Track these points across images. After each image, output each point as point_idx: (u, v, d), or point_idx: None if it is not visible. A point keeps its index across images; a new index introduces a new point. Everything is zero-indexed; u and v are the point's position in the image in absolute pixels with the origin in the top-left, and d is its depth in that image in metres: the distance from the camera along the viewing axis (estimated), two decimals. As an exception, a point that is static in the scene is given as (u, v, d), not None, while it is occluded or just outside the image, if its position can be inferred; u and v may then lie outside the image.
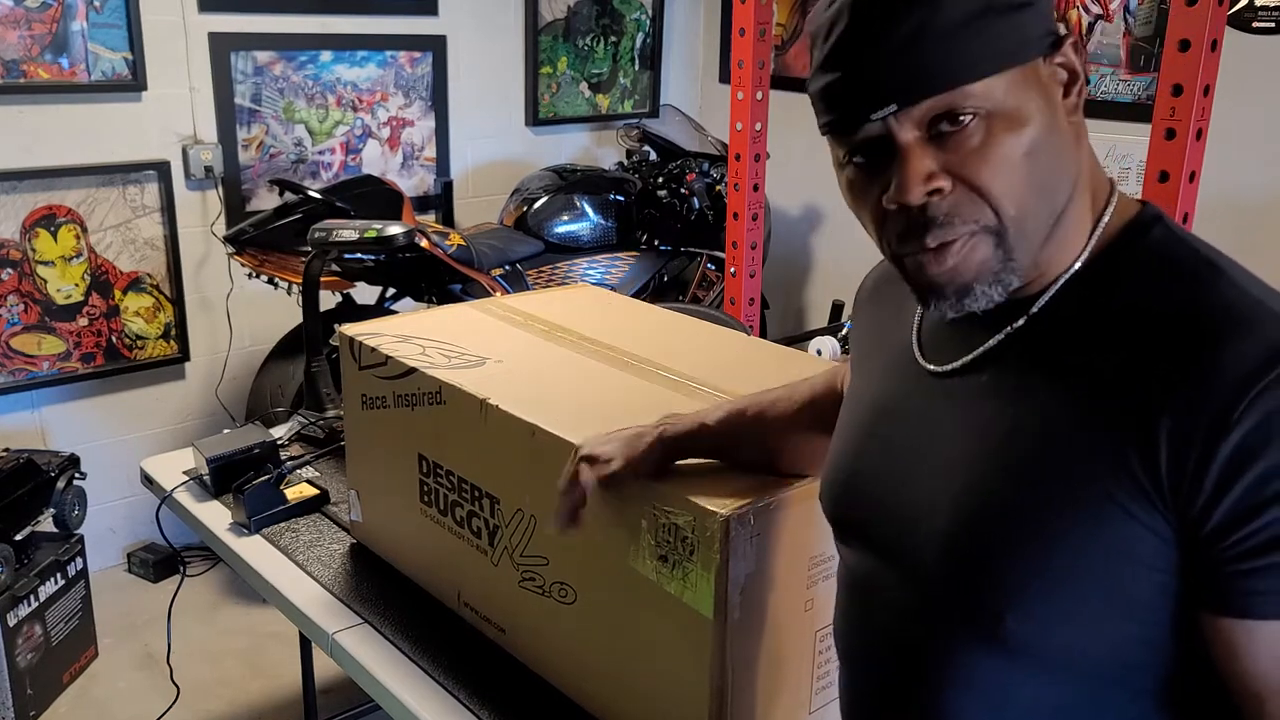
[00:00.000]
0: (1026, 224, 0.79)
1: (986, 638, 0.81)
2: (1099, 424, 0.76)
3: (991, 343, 0.85)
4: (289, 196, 3.03)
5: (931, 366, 0.90)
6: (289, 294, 3.01)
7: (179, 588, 2.24)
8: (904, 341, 0.95)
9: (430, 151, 3.65)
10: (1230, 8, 2.19)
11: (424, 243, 2.91)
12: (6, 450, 2.72)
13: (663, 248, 3.53)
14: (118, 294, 3.11)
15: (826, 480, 1.00)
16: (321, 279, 2.58)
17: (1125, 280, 0.81)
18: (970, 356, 0.86)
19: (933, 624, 0.85)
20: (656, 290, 3.55)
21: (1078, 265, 0.82)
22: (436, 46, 3.56)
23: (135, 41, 2.96)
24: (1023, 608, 0.78)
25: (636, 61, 4.12)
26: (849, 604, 0.97)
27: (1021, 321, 0.83)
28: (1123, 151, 3.03)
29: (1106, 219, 0.83)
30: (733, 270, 2.91)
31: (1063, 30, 0.80)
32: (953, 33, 0.75)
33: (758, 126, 2.77)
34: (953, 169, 0.77)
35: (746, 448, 1.18)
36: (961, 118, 0.76)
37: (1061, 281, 0.82)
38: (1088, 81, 0.82)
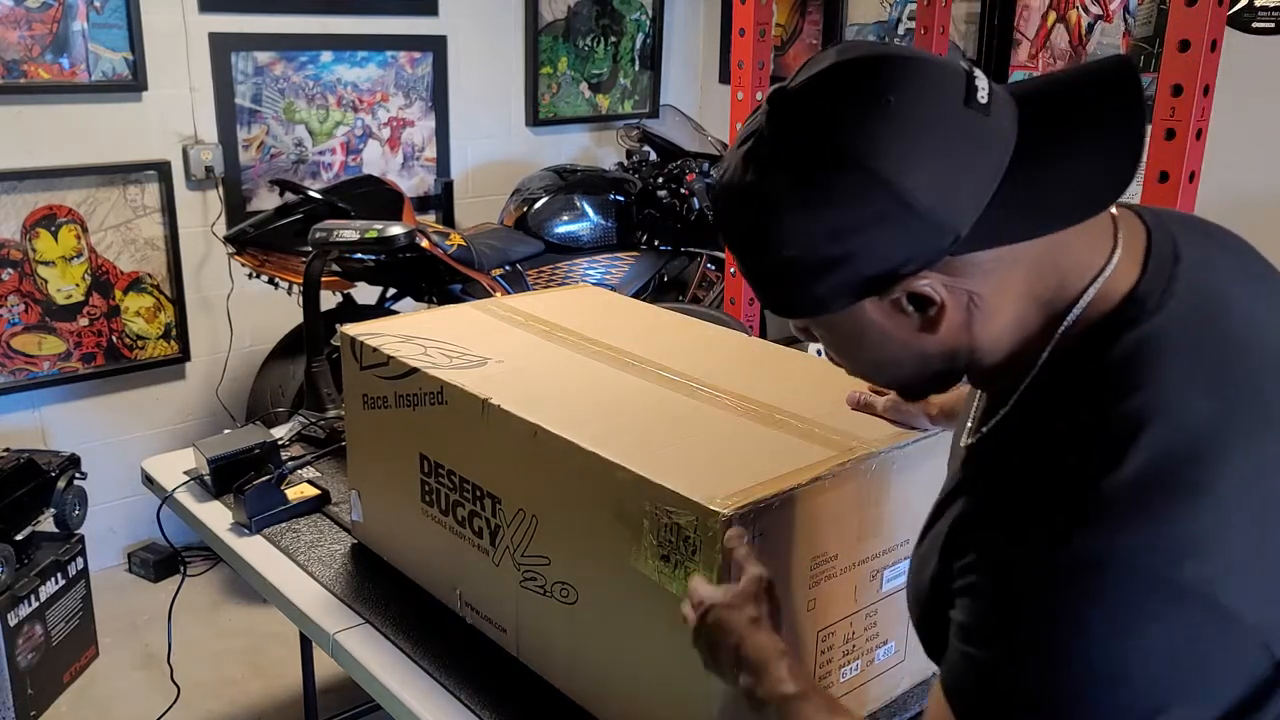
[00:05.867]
0: (890, 386, 0.93)
1: None
2: (951, 555, 0.81)
3: (972, 440, 0.87)
4: (289, 197, 3.04)
5: (962, 439, 0.92)
6: (289, 294, 3.01)
7: (179, 588, 2.24)
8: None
9: (430, 152, 3.65)
10: (1230, 8, 2.19)
11: (424, 243, 2.91)
12: (7, 450, 2.72)
13: (663, 248, 3.53)
14: (118, 294, 3.11)
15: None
16: (322, 279, 2.58)
17: (1055, 402, 0.77)
18: (962, 444, 0.90)
19: None
20: (656, 290, 3.55)
21: (1033, 374, 0.79)
22: (436, 47, 3.56)
23: (136, 41, 2.96)
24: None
25: (636, 62, 4.12)
26: None
27: (991, 424, 0.83)
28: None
29: (1067, 323, 0.77)
30: (733, 270, 2.91)
31: (909, 268, 0.76)
32: (760, 283, 0.85)
33: (758, 127, 2.76)
34: None
35: None
36: None
37: (1021, 389, 0.80)
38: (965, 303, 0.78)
